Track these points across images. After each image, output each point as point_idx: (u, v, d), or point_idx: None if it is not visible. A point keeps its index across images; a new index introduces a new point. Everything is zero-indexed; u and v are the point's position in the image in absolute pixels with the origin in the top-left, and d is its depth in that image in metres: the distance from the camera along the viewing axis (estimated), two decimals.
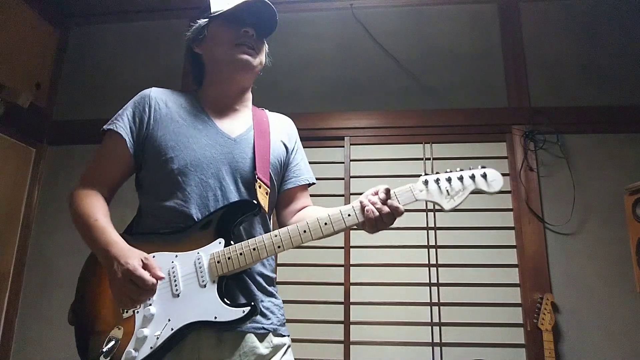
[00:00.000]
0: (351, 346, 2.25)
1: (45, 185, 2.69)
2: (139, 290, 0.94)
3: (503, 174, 2.37)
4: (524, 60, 2.56)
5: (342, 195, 2.44)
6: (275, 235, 1.02)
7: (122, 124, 1.11)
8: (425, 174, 1.03)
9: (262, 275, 1.12)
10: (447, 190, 1.00)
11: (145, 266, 0.96)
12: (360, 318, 2.29)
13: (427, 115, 2.53)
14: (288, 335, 1.14)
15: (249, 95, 1.24)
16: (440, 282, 2.29)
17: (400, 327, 2.26)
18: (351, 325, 2.28)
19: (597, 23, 2.57)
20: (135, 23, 2.93)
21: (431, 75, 2.60)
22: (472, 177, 1.01)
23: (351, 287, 2.33)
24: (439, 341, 2.22)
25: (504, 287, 2.26)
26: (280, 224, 1.23)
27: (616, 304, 2.17)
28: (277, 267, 2.40)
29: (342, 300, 2.31)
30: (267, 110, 1.27)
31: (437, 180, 1.01)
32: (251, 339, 1.04)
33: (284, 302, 2.35)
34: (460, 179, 1.01)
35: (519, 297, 2.23)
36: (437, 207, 0.96)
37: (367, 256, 2.37)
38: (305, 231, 1.02)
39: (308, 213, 1.20)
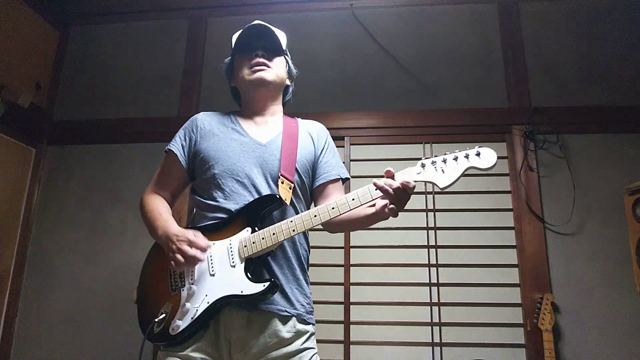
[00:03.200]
0: (351, 346, 2.25)
1: (45, 185, 2.69)
2: (194, 251, 1.17)
3: (503, 174, 2.40)
4: (524, 60, 2.56)
5: None
6: (291, 221, 1.18)
7: (176, 144, 1.38)
8: (424, 158, 1.13)
9: (289, 262, 1.26)
10: (442, 169, 1.11)
11: (197, 236, 1.21)
12: (360, 318, 2.29)
13: (427, 115, 2.52)
14: (313, 324, 1.28)
15: (278, 107, 1.46)
16: (440, 282, 2.29)
17: (400, 327, 2.26)
18: (351, 325, 2.28)
19: (597, 23, 2.57)
20: (135, 23, 2.92)
21: (431, 75, 2.60)
22: (467, 156, 1.10)
23: (351, 287, 2.33)
24: (439, 341, 2.22)
25: (504, 287, 2.26)
26: None
27: (616, 304, 2.16)
28: None
29: (342, 300, 2.31)
30: (299, 119, 1.48)
31: (433, 162, 1.13)
32: (275, 322, 1.19)
33: None
34: (455, 159, 1.11)
35: (519, 297, 2.23)
36: (435, 188, 1.15)
37: (367, 256, 2.37)
38: (315, 215, 1.17)
39: None
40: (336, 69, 2.68)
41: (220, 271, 1.18)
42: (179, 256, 1.16)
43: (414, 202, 2.39)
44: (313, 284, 2.34)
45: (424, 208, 2.39)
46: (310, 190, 1.40)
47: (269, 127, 1.39)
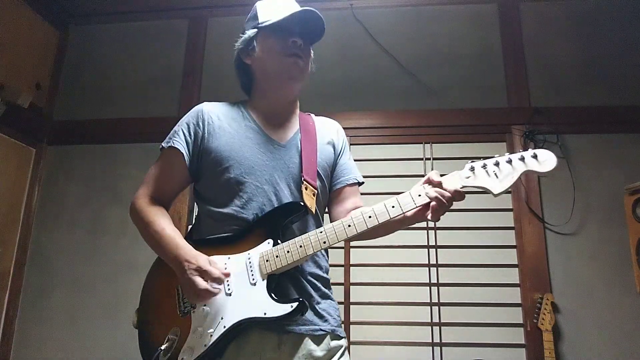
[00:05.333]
0: (351, 346, 2.25)
1: (45, 185, 2.69)
2: (207, 284, 1.02)
3: None
4: (524, 60, 2.56)
5: None
6: (321, 232, 1.05)
7: (179, 139, 1.17)
8: (472, 161, 1.02)
9: (316, 276, 1.15)
10: (495, 174, 0.99)
11: (211, 264, 1.05)
12: (360, 318, 2.29)
13: (427, 115, 2.52)
14: (345, 337, 1.17)
15: (297, 102, 1.28)
16: (440, 282, 2.29)
17: (400, 327, 2.26)
18: (351, 325, 2.28)
19: (597, 23, 2.57)
20: (135, 23, 2.93)
21: (431, 75, 2.60)
22: (522, 158, 0.99)
23: (351, 287, 2.33)
24: (439, 341, 2.22)
25: (504, 287, 2.26)
26: None
27: (616, 304, 2.17)
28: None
29: (342, 300, 2.31)
30: (312, 115, 1.32)
31: (484, 166, 1.00)
32: (308, 342, 1.08)
33: None
34: (509, 162, 0.99)
35: (519, 297, 2.23)
36: (484, 192, 1.00)
37: (367, 256, 2.37)
38: (349, 225, 1.05)
39: None
40: (336, 69, 2.68)
41: (238, 290, 1.04)
42: (192, 291, 1.03)
43: None
44: None
45: None
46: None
47: (286, 124, 1.23)
